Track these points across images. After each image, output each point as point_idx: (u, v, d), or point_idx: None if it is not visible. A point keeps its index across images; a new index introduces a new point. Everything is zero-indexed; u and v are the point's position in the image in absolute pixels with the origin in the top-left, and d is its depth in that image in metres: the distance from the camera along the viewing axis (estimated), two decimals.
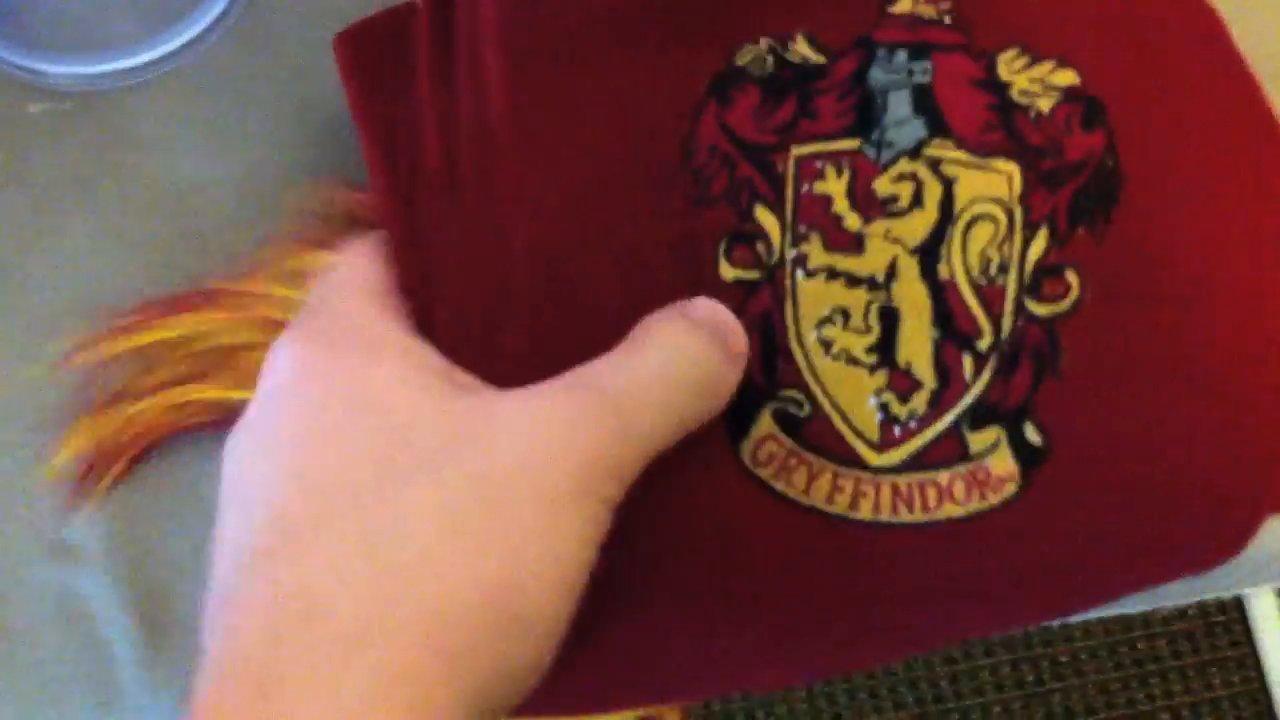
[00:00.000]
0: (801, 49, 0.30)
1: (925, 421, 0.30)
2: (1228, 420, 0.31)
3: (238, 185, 0.34)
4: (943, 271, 0.30)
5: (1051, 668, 0.93)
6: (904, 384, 0.30)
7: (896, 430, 0.29)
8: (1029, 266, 0.30)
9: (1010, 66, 0.31)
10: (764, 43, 0.30)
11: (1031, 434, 0.30)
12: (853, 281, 0.30)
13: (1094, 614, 0.36)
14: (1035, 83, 0.31)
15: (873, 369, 0.29)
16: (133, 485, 0.32)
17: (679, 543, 0.29)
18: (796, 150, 0.30)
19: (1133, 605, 0.37)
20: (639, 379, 0.26)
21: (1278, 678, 0.94)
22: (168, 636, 0.31)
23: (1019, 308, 0.30)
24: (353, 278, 0.28)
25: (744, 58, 0.30)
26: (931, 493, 0.29)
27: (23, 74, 0.35)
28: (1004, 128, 0.31)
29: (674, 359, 0.26)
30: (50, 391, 0.32)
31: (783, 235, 0.30)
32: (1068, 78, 0.31)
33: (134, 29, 0.35)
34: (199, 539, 0.31)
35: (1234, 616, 0.96)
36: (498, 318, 0.29)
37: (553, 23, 0.30)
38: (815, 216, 0.30)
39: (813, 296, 0.29)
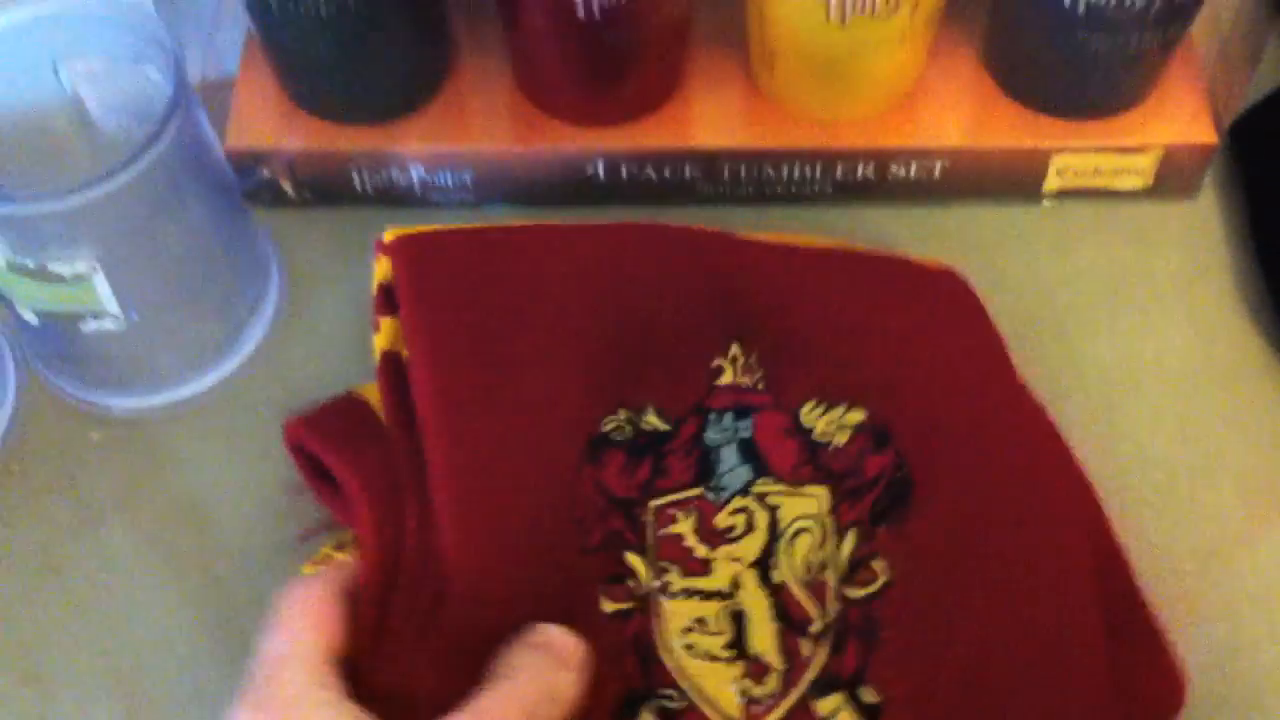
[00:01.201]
0: (651, 419, 0.40)
1: (779, 697, 0.37)
2: (1051, 672, 0.38)
3: (255, 495, 0.44)
4: (775, 577, 0.38)
5: None
6: (758, 670, 0.37)
7: (757, 709, 0.37)
8: (843, 562, 0.39)
9: (811, 415, 0.41)
10: (623, 413, 0.40)
11: (868, 695, 0.37)
12: (706, 596, 0.38)
13: None
14: (831, 424, 0.41)
15: (730, 661, 0.37)
16: None
17: None
18: (653, 503, 0.39)
19: None
20: (502, 703, 0.33)
21: None
22: None
23: (839, 595, 0.38)
24: (295, 650, 0.34)
25: (608, 425, 0.40)
26: None
27: (91, 406, 0.46)
28: (811, 462, 0.40)
29: (525, 680, 0.34)
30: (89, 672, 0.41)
31: (648, 571, 0.38)
32: (857, 416, 0.41)
33: (178, 369, 0.46)
34: None
35: None
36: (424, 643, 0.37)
37: (472, 397, 0.39)
38: (672, 552, 0.39)
39: (675, 613, 0.38)
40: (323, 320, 0.49)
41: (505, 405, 0.39)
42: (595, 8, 0.44)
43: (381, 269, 0.41)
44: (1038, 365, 0.46)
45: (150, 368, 0.47)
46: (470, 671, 0.35)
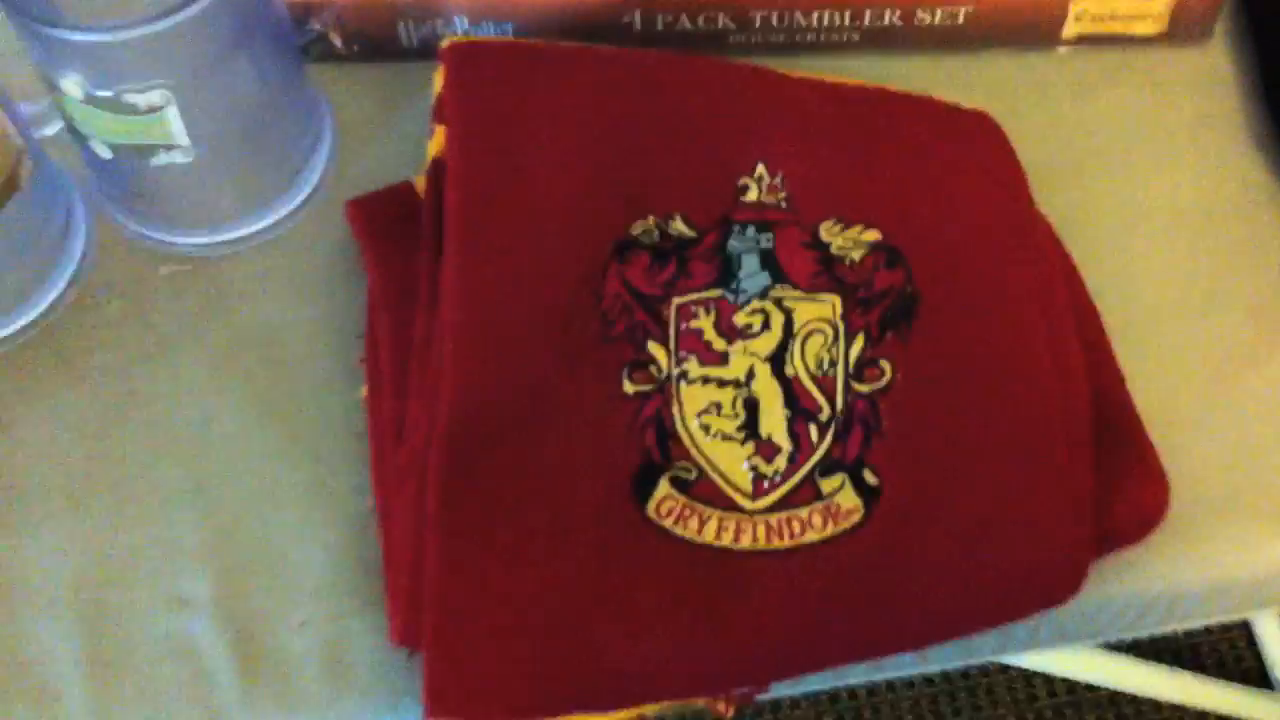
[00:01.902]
0: (678, 226, 0.44)
1: (786, 475, 0.40)
2: (1043, 472, 0.41)
3: (315, 324, 0.48)
4: (788, 370, 0.42)
5: None
6: (768, 450, 0.41)
7: (765, 484, 0.40)
8: (852, 361, 0.42)
9: (829, 231, 0.44)
10: (651, 219, 0.43)
11: (869, 477, 0.40)
12: (722, 384, 0.41)
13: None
14: (848, 241, 0.44)
15: (743, 442, 0.41)
16: (231, 547, 0.44)
17: (602, 577, 0.39)
18: (677, 300, 0.42)
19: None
20: None
21: None
22: (259, 665, 0.42)
23: (847, 389, 0.41)
24: None
25: (637, 229, 0.43)
26: (796, 525, 0.40)
27: (157, 244, 0.50)
28: (827, 273, 0.43)
29: None
30: (169, 482, 0.45)
31: (669, 358, 0.42)
32: (873, 235, 0.44)
33: (239, 208, 0.50)
34: (282, 586, 0.44)
35: None
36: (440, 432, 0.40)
37: (501, 202, 0.43)
38: (692, 344, 0.42)
39: (693, 397, 0.41)
40: (371, 168, 0.52)
41: (536, 205, 0.43)
42: None
43: (440, 79, 0.45)
44: (1057, 202, 0.48)
45: (214, 205, 0.50)
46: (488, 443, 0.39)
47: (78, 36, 0.42)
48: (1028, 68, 0.54)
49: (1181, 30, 0.53)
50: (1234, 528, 0.44)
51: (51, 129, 0.50)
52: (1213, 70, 0.54)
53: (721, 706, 0.41)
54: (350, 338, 0.48)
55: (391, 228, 0.46)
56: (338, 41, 0.54)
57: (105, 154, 0.47)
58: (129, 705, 0.42)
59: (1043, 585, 0.41)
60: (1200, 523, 0.44)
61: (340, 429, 0.47)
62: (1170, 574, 0.44)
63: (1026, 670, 0.98)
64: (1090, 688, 0.98)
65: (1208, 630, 1.02)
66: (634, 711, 0.39)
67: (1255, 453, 0.45)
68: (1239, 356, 0.47)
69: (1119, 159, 0.52)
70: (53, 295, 0.49)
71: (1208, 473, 0.44)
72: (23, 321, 0.49)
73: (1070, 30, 0.54)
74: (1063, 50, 0.54)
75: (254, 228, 0.51)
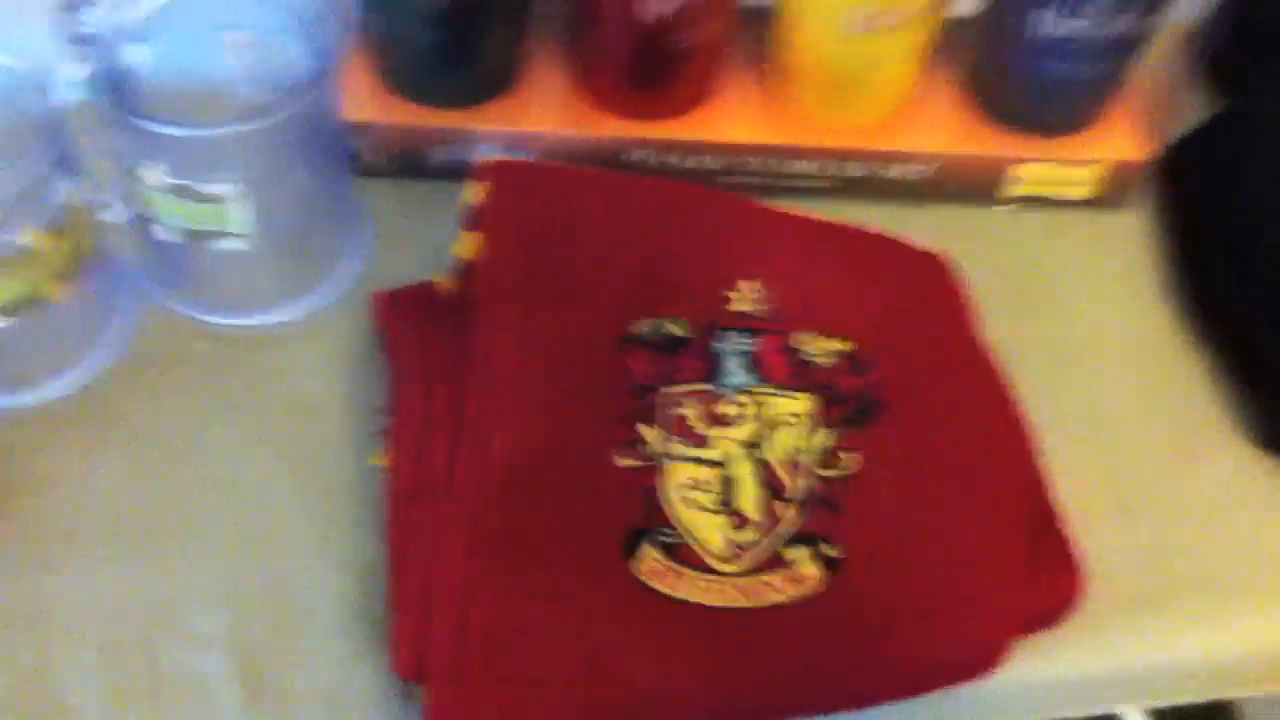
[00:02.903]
0: (672, 328, 0.50)
1: (756, 544, 0.46)
2: (980, 556, 0.48)
3: (337, 400, 0.54)
4: (763, 454, 0.48)
5: None
6: (741, 522, 0.47)
7: (738, 550, 0.46)
8: (817, 449, 0.48)
9: (804, 340, 0.51)
10: (649, 321, 0.50)
11: (828, 550, 0.46)
12: (703, 463, 0.48)
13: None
14: (820, 349, 0.51)
15: (718, 513, 0.47)
16: (246, 591, 0.49)
17: (593, 631, 0.45)
18: (668, 389, 0.49)
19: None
20: None
21: None
22: (264, 697, 0.47)
23: (813, 474, 0.48)
24: None
25: (638, 328, 0.50)
26: (763, 588, 0.46)
27: (199, 323, 0.55)
28: (800, 375, 0.50)
29: None
30: (195, 531, 0.50)
31: (658, 438, 0.48)
32: (842, 345, 0.51)
33: (279, 295, 0.56)
34: (291, 627, 0.48)
35: None
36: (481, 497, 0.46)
37: (535, 289, 0.50)
38: (679, 428, 0.48)
39: (677, 473, 0.47)
40: (399, 268, 0.59)
41: (557, 302, 0.49)
42: (657, 12, 0.54)
43: (472, 192, 0.52)
44: (999, 334, 0.55)
45: (258, 291, 0.56)
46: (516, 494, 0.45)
47: (175, 132, 0.49)
48: (974, 220, 0.62)
49: (1108, 196, 0.62)
50: (1143, 621, 0.50)
51: (111, 215, 0.56)
52: (1133, 229, 0.62)
53: None
54: (366, 413, 0.54)
55: (415, 317, 0.52)
56: (375, 158, 0.61)
57: (168, 237, 0.53)
58: None
59: (971, 660, 0.47)
60: (1112, 615, 0.50)
61: (353, 491, 0.52)
62: (1080, 660, 0.50)
63: None
64: None
65: None
66: None
67: (1168, 555, 0.52)
68: (1156, 471, 0.54)
69: (1052, 301, 0.60)
70: (100, 362, 0.55)
71: (1123, 570, 0.51)
72: (72, 382, 0.54)
73: (1011, 191, 0.62)
74: (1004, 208, 0.62)
75: (291, 314, 0.57)
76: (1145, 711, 1.04)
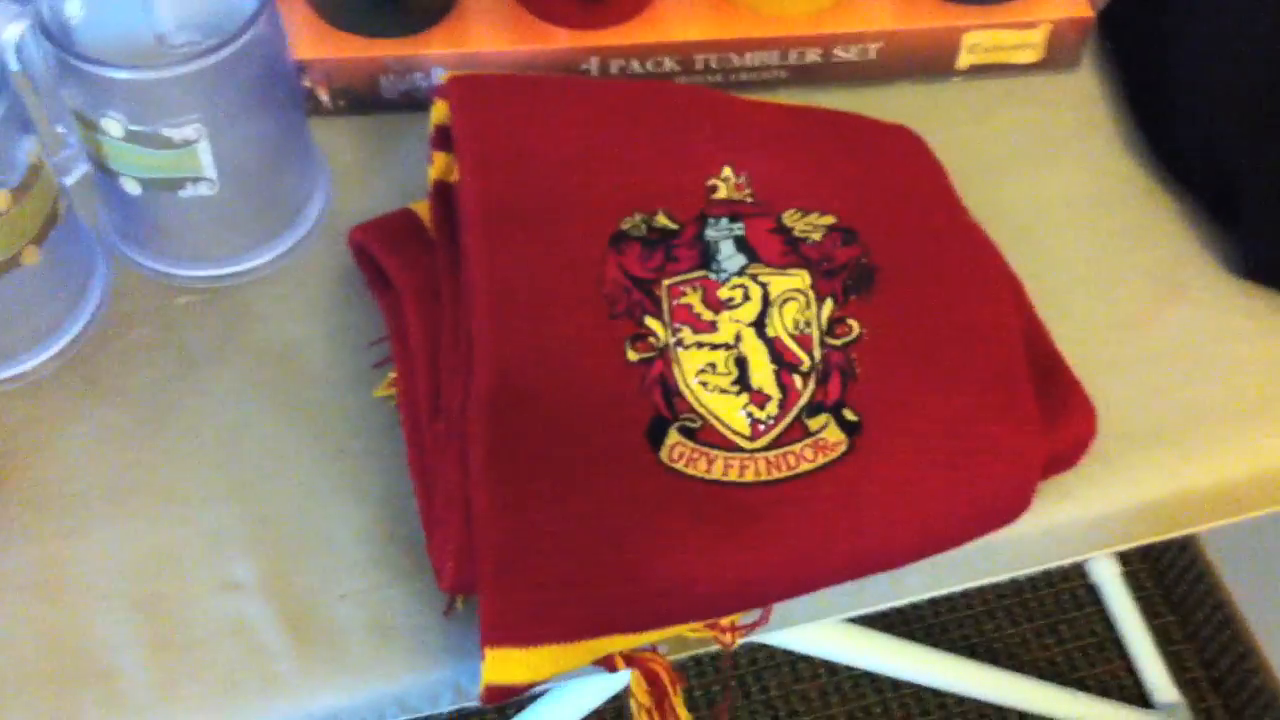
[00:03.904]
0: (662, 220, 0.50)
1: (778, 419, 0.47)
2: (993, 403, 0.48)
3: (325, 339, 0.53)
4: (769, 332, 0.48)
5: None
6: (759, 399, 0.47)
7: (760, 427, 0.46)
8: (824, 321, 0.49)
9: (791, 218, 0.51)
10: (638, 216, 0.50)
11: (849, 415, 0.47)
12: (714, 347, 0.48)
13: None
14: (809, 225, 0.51)
15: (737, 393, 0.47)
16: (273, 535, 0.49)
17: (631, 512, 0.45)
18: (666, 281, 0.49)
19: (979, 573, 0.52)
20: None
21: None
22: (309, 635, 0.46)
23: (822, 344, 0.48)
24: None
25: (627, 224, 0.50)
26: (791, 458, 0.46)
27: (172, 277, 0.54)
28: (794, 252, 0.50)
29: None
30: (209, 482, 0.50)
31: (665, 329, 0.48)
32: (829, 220, 0.51)
33: (249, 242, 0.55)
34: (323, 565, 0.48)
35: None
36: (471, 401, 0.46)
37: (511, 205, 0.49)
38: (683, 316, 0.48)
39: (690, 360, 0.47)
40: (363, 207, 0.58)
41: (543, 210, 0.49)
42: None
43: (438, 111, 0.51)
44: (969, 202, 0.56)
45: (228, 239, 0.55)
46: (513, 408, 0.44)
47: (128, 75, 0.47)
48: (930, 95, 0.63)
49: (1056, 58, 0.63)
50: (1149, 454, 0.52)
51: (70, 178, 0.55)
52: (1084, 89, 0.63)
53: (728, 637, 0.47)
54: (356, 349, 0.53)
55: (404, 242, 0.52)
56: (324, 97, 0.60)
57: (134, 190, 0.51)
58: (190, 680, 0.46)
59: (999, 504, 0.48)
60: (1120, 451, 0.51)
61: (360, 426, 0.52)
62: (1099, 498, 0.51)
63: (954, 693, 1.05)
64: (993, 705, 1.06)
65: (1090, 662, 1.11)
66: (665, 632, 0.45)
67: (1161, 391, 0.53)
68: (1138, 315, 0.55)
69: (1016, 165, 0.60)
70: (79, 326, 0.53)
71: (1123, 409, 0.52)
72: (54, 350, 0.53)
73: (964, 61, 0.62)
74: (958, 79, 0.63)
75: (261, 260, 0.56)
76: (1112, 555, 1.09)
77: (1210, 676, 1.12)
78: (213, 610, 0.47)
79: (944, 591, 0.52)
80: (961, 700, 1.07)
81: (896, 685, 1.08)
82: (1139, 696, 1.10)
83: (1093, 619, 1.14)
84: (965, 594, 1.11)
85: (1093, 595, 1.15)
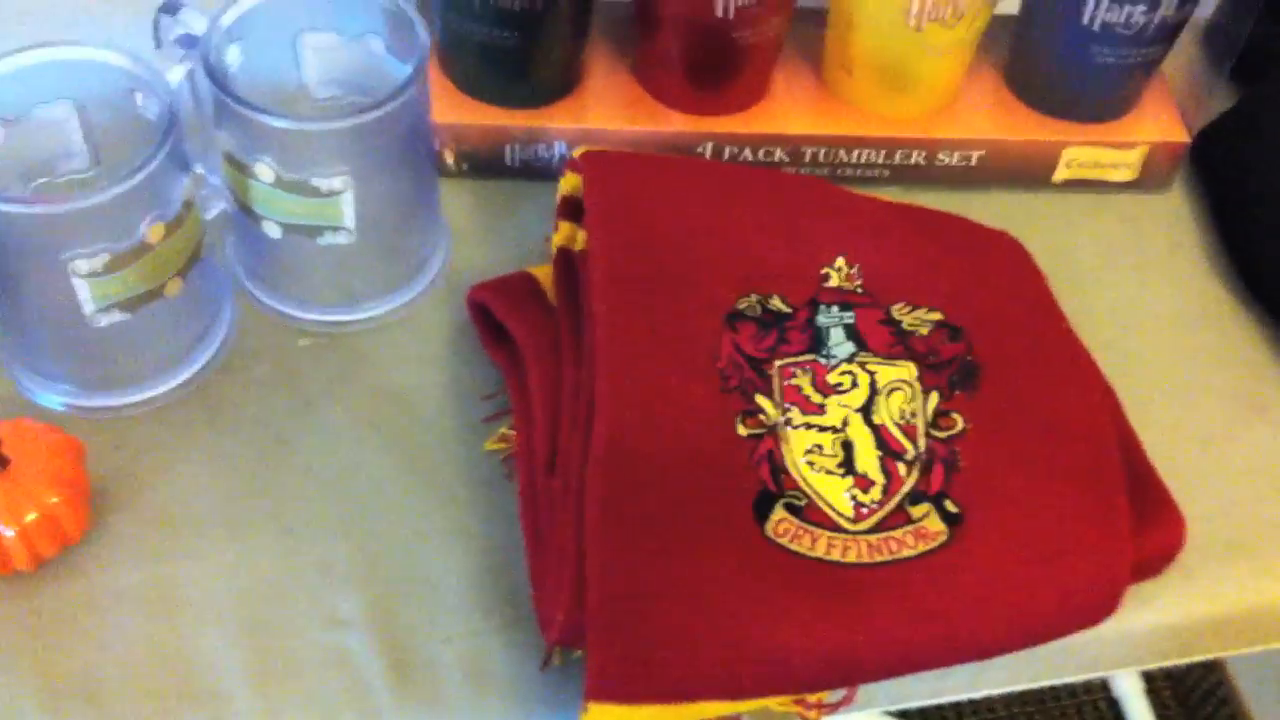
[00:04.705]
0: (776, 304, 0.52)
1: (881, 504, 0.48)
2: (1090, 503, 0.50)
3: (439, 389, 0.55)
4: (876, 419, 0.50)
5: None
6: (864, 484, 0.49)
7: (864, 510, 0.48)
8: (929, 412, 0.51)
9: (900, 312, 0.53)
10: (754, 297, 0.52)
11: (950, 506, 0.49)
12: (821, 429, 0.50)
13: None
14: (916, 319, 0.53)
15: (842, 476, 0.49)
16: (380, 573, 0.50)
17: (737, 581, 0.46)
18: (779, 362, 0.51)
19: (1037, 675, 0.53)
20: None
21: None
22: (410, 675, 0.48)
23: (927, 434, 0.50)
24: None
25: (743, 304, 0.52)
26: (892, 544, 0.48)
27: (294, 319, 0.57)
28: (902, 344, 0.52)
29: None
30: (321, 517, 0.51)
31: (775, 408, 0.50)
32: (936, 315, 0.53)
33: (374, 291, 0.57)
34: (428, 607, 0.49)
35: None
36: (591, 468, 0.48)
37: (634, 275, 0.51)
38: (793, 397, 0.50)
39: (798, 440, 0.49)
40: (478, 266, 0.60)
41: (664, 281, 0.52)
42: (730, 7, 0.57)
43: (567, 183, 0.54)
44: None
45: (354, 286, 0.58)
46: (628, 477, 0.46)
47: (289, 125, 0.50)
48: (1025, 203, 0.65)
49: (1150, 178, 0.65)
50: (1230, 568, 0.53)
51: (208, 215, 0.57)
52: (1175, 210, 0.66)
53: (813, 714, 0.48)
54: (468, 402, 0.55)
55: (523, 302, 0.54)
56: (450, 159, 0.63)
57: (274, 233, 0.54)
58: (291, 709, 0.48)
59: (1088, 604, 0.49)
60: (1201, 564, 0.53)
61: (471, 476, 0.53)
62: (1179, 607, 0.53)
63: None
64: None
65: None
66: (758, 702, 0.46)
67: (1241, 506, 0.55)
68: (1219, 432, 0.57)
69: (1105, 278, 0.63)
70: (205, 358, 0.56)
71: (1204, 523, 0.53)
72: (180, 379, 0.55)
73: (1060, 175, 0.65)
74: (1051, 191, 0.65)
75: (382, 310, 0.58)
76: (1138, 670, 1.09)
77: None
78: (317, 642, 0.49)
79: (1021, 687, 0.53)
80: None
81: None
82: None
83: (1100, 706, 1.15)
84: (988, 700, 1.12)
85: (1114, 710, 1.16)
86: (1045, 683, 0.53)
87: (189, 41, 0.52)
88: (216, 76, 0.51)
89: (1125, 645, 0.52)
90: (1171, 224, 0.65)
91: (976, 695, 0.53)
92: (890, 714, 0.59)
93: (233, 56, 0.54)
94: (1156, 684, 1.17)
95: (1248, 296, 0.62)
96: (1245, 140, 0.64)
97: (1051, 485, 0.50)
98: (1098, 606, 0.49)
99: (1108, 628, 0.50)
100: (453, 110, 0.62)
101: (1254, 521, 0.55)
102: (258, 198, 0.53)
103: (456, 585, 0.51)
